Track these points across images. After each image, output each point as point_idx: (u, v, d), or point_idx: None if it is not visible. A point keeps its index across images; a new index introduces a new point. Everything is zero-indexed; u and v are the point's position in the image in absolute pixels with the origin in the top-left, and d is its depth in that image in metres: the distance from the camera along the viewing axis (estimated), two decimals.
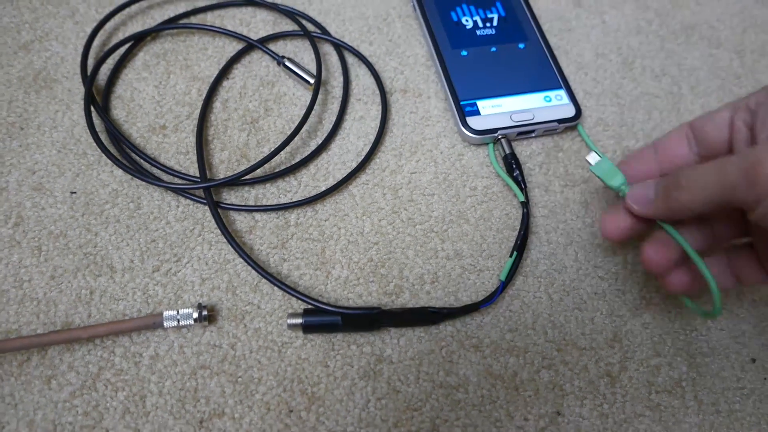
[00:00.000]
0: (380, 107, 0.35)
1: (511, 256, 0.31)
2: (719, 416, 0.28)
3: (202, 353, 0.27)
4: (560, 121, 0.34)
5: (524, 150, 0.35)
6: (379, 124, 0.34)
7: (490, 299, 0.29)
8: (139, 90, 0.34)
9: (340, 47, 0.37)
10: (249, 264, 0.28)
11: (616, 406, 0.28)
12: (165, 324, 0.27)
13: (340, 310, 0.28)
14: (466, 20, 0.37)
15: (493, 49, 0.36)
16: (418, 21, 0.38)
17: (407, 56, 0.37)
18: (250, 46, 0.36)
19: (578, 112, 0.35)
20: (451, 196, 0.33)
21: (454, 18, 0.37)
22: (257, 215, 0.31)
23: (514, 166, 0.33)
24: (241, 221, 0.31)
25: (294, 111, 0.35)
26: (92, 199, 0.31)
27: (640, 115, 0.37)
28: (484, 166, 0.34)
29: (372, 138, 0.34)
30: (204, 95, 0.34)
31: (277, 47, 0.37)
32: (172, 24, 0.36)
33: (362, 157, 0.33)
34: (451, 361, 0.28)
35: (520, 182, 0.32)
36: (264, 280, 0.29)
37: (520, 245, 0.31)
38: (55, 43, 0.35)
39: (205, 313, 0.27)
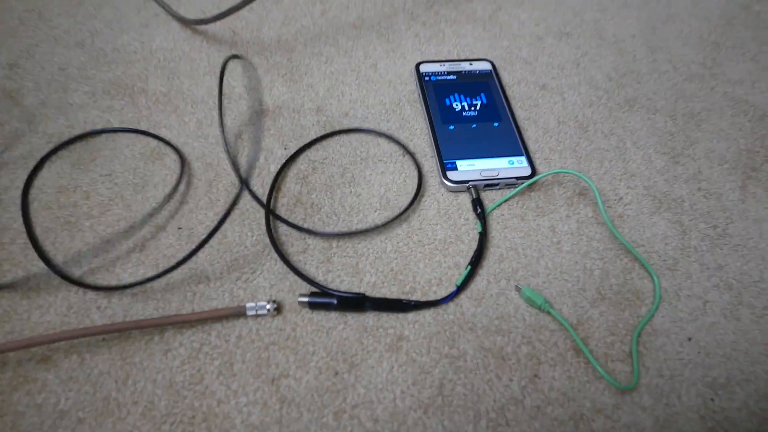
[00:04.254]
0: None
1: (466, 268, 0.41)
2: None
3: (272, 334, 0.38)
4: (518, 178, 0.46)
5: (502, 192, 0.46)
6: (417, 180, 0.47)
7: (447, 298, 0.40)
8: None
9: (365, 131, 0.50)
10: (283, 261, 0.40)
11: (580, 371, 0.37)
12: (247, 313, 0.38)
13: (336, 293, 0.39)
14: (456, 105, 0.50)
15: (474, 126, 0.49)
16: (421, 105, 0.52)
17: (415, 129, 0.51)
18: None
19: (533, 172, 0.46)
20: (451, 225, 0.44)
21: (447, 103, 0.50)
22: (308, 240, 0.43)
23: (478, 207, 0.44)
24: (296, 244, 0.43)
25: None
26: (193, 232, 0.43)
27: (594, 164, 0.49)
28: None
29: (394, 187, 0.46)
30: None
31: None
32: None
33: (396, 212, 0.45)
34: (453, 339, 0.38)
35: (482, 217, 0.43)
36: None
37: (474, 261, 0.41)
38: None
39: (275, 305, 0.38)
